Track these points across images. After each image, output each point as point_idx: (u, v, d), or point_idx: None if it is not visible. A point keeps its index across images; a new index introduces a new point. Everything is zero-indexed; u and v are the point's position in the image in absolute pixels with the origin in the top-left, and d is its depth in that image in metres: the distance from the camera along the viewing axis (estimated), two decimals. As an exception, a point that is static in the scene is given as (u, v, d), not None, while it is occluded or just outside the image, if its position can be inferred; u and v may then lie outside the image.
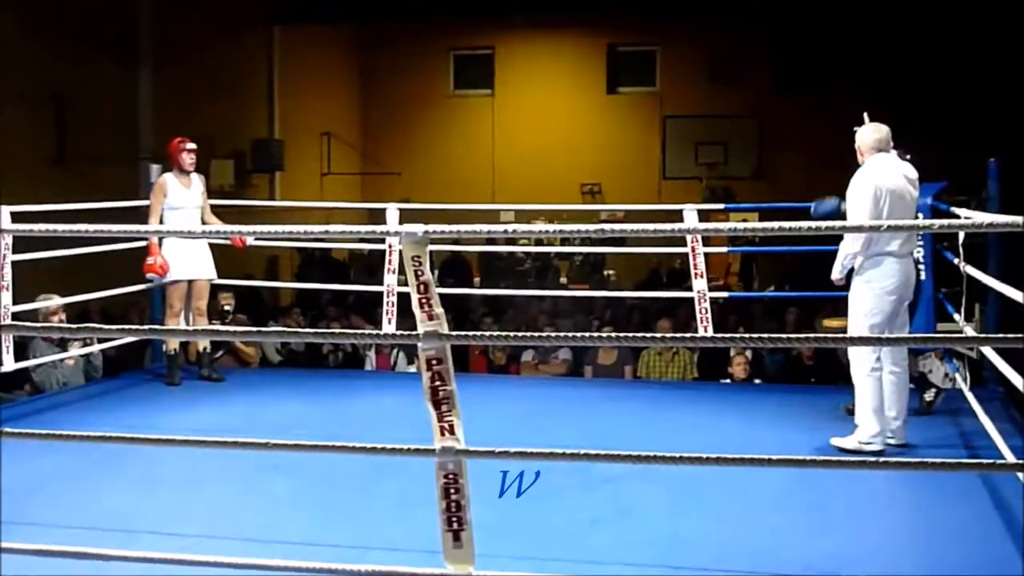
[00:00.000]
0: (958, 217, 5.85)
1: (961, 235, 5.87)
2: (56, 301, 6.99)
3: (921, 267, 5.82)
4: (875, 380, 5.09)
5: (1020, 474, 4.04)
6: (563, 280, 16.15)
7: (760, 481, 4.39)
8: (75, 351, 7.05)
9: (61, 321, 7.00)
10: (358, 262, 16.09)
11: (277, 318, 10.96)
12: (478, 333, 3.47)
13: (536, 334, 3.75)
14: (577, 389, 7.57)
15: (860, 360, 5.14)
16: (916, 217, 5.46)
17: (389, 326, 7.10)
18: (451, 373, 2.88)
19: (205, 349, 7.21)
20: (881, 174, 5.10)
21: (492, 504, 4.12)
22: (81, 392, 6.91)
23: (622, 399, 6.90)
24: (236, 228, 3.47)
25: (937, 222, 5.17)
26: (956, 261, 5.91)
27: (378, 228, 3.31)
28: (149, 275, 6.80)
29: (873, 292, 5.11)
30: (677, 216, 6.83)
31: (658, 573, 3.67)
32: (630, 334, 3.26)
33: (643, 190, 17.47)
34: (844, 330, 5.79)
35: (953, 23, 15.54)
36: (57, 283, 7.50)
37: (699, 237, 6.77)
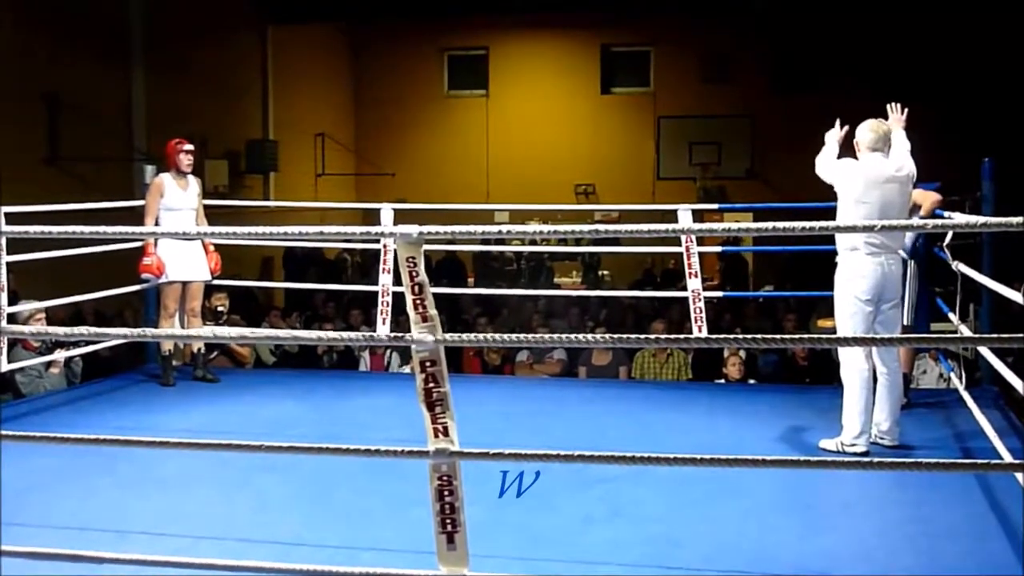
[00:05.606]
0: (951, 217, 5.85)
1: (948, 235, 5.87)
2: (34, 305, 6.93)
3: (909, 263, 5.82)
4: (861, 381, 5.08)
5: (1017, 474, 4.05)
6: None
7: (754, 481, 4.40)
8: (60, 354, 6.97)
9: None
10: (348, 261, 16.08)
11: (264, 319, 10.90)
12: (472, 335, 3.47)
13: (530, 335, 3.75)
14: (571, 390, 7.56)
15: (847, 361, 5.15)
16: (909, 212, 5.46)
17: (383, 327, 7.10)
18: (445, 375, 2.88)
19: (200, 350, 7.20)
20: (868, 166, 5.13)
21: (484, 504, 4.12)
22: (75, 393, 6.88)
23: (616, 400, 6.89)
24: (230, 229, 3.46)
25: (932, 222, 5.17)
26: (948, 259, 5.91)
27: (373, 229, 3.29)
28: (145, 275, 6.80)
29: (848, 297, 5.12)
30: (671, 216, 6.84)
31: (651, 573, 3.67)
32: (624, 335, 3.26)
33: (637, 190, 17.51)
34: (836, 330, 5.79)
35: (948, 22, 15.58)
36: (51, 284, 7.48)
37: (693, 237, 6.78)
